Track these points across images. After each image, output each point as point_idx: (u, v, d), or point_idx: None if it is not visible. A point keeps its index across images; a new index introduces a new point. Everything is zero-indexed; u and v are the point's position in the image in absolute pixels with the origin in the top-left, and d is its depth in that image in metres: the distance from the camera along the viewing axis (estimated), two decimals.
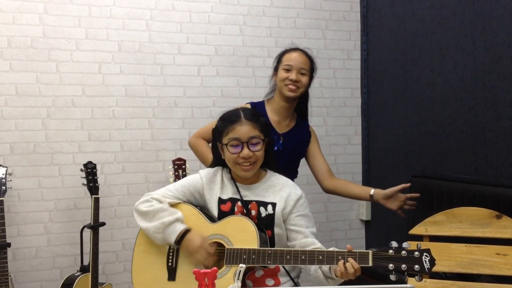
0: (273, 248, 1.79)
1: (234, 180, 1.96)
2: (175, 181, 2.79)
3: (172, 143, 3.20)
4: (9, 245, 2.58)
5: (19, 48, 2.90)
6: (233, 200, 1.92)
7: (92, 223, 2.74)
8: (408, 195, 2.32)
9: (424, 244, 1.92)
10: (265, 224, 1.88)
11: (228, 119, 1.90)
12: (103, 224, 2.80)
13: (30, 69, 2.93)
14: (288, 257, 1.72)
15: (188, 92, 3.24)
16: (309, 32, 3.49)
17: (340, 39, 3.57)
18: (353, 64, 3.61)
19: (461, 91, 2.69)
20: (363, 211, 3.60)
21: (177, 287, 1.85)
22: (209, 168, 2.02)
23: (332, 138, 3.56)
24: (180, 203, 1.94)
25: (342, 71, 3.59)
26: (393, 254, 1.59)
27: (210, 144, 2.11)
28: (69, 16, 2.99)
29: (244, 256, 1.76)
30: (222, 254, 1.81)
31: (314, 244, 1.83)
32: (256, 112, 1.99)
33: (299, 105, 2.42)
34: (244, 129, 1.85)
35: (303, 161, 2.50)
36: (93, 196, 2.76)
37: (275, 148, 2.34)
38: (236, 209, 1.91)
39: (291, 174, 2.37)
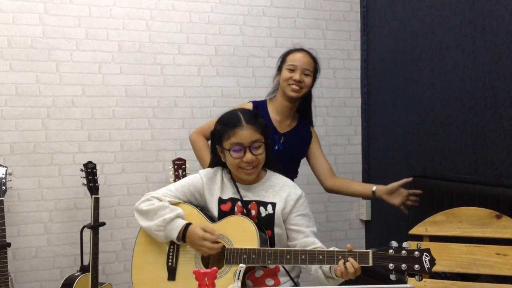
0: (273, 248, 1.79)
1: (234, 180, 1.96)
2: (175, 181, 2.79)
3: (172, 143, 3.20)
4: (9, 245, 2.58)
5: (19, 48, 2.90)
6: (233, 200, 1.92)
7: (92, 223, 2.74)
8: (411, 191, 2.32)
9: (424, 244, 1.92)
10: (265, 224, 1.88)
11: (228, 123, 1.88)
12: (103, 224, 2.80)
13: (30, 69, 2.92)
14: (288, 256, 1.72)
15: (188, 92, 3.24)
16: (309, 32, 3.49)
17: (340, 39, 3.57)
18: (353, 64, 3.61)
19: (461, 91, 2.69)
20: (363, 211, 3.60)
21: (177, 286, 1.85)
22: (209, 168, 2.02)
23: (332, 138, 3.56)
24: (180, 203, 1.94)
25: (342, 71, 3.59)
26: (393, 253, 1.59)
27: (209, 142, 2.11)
28: (69, 16, 2.99)
29: (244, 256, 1.76)
30: (222, 254, 1.82)
31: (315, 243, 1.83)
32: (255, 113, 1.98)
33: (301, 105, 2.42)
34: (245, 134, 1.84)
35: (303, 161, 2.50)
36: (93, 196, 2.76)
37: (276, 147, 2.34)
38: (236, 209, 1.91)
39: (291, 174, 2.38)
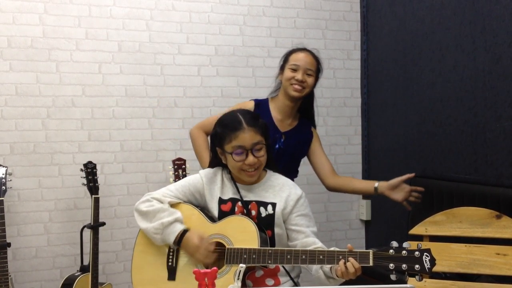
0: (273, 248, 1.79)
1: (234, 180, 1.96)
2: (175, 181, 2.79)
3: (172, 143, 3.20)
4: (9, 245, 2.58)
5: (19, 48, 2.90)
6: (233, 200, 1.92)
7: (92, 223, 2.74)
8: (413, 187, 2.31)
9: (424, 244, 1.91)
10: (265, 224, 1.88)
11: (229, 126, 1.87)
12: (103, 224, 2.80)
13: (30, 69, 2.92)
14: (288, 256, 1.72)
15: (188, 92, 3.24)
16: (309, 32, 3.49)
17: (340, 39, 3.57)
18: (353, 64, 3.61)
19: (461, 91, 2.69)
20: (363, 211, 3.60)
21: (177, 287, 1.85)
22: (209, 168, 2.01)
23: (332, 138, 3.56)
24: (180, 203, 1.94)
25: (342, 71, 3.59)
26: (393, 253, 1.59)
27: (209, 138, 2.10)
28: (69, 16, 2.99)
29: (245, 256, 1.76)
30: (222, 254, 1.81)
31: (315, 243, 1.83)
32: (255, 114, 1.97)
33: (302, 105, 2.42)
34: (247, 136, 1.84)
35: (303, 161, 2.50)
36: (93, 196, 2.76)
37: (277, 146, 2.34)
38: (236, 209, 1.91)
39: (292, 173, 2.38)
